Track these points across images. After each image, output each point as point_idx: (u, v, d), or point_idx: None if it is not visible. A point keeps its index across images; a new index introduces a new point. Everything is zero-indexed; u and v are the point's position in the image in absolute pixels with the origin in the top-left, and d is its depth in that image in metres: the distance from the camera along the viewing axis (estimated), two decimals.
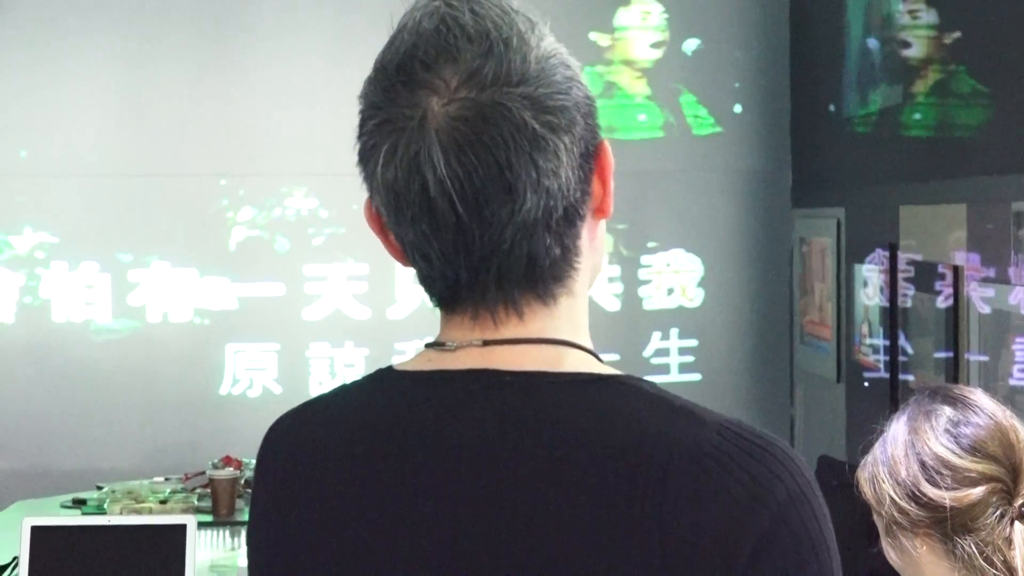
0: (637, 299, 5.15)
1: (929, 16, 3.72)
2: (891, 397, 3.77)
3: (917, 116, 3.81)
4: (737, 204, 5.19)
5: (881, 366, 3.97)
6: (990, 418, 1.59)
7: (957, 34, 3.50)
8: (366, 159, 1.04)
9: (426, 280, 1.06)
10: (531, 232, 1.01)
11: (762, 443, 0.99)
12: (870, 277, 4.10)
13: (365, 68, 1.05)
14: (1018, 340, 2.97)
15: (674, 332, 5.17)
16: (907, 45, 3.89)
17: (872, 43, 4.19)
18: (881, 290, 3.96)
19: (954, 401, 1.62)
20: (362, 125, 1.04)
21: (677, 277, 5.17)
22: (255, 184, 5.03)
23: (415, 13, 1.04)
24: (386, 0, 1.08)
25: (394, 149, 1.01)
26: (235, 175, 5.02)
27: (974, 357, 3.21)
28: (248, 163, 5.01)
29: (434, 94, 1.00)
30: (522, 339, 1.04)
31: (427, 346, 1.07)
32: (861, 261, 4.19)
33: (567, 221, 1.03)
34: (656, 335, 5.16)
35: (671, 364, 5.16)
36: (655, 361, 5.12)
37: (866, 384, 4.17)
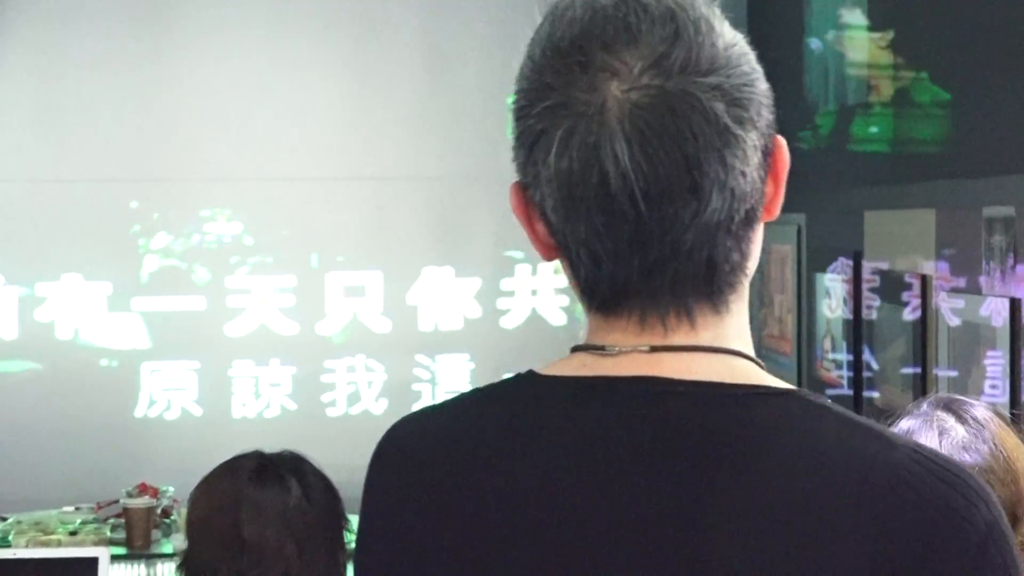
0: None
1: (889, 21, 3.75)
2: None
3: (881, 119, 3.84)
4: None
5: (844, 382, 3.99)
6: (1000, 451, 1.57)
7: (920, 39, 3.53)
8: (531, 144, 1.00)
9: (588, 279, 1.02)
10: (713, 235, 0.99)
11: (955, 470, 0.98)
12: (833, 287, 4.12)
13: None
14: (990, 354, 2.98)
15: None
16: (868, 49, 3.92)
17: (833, 46, 4.22)
18: (845, 301, 3.98)
19: (966, 422, 1.59)
20: (527, 106, 1.01)
21: None
22: (172, 207, 4.96)
23: None
24: None
25: (569, 136, 0.98)
26: (152, 180, 4.94)
27: (943, 372, 3.23)
28: (166, 168, 4.95)
29: (615, 78, 0.97)
30: (693, 347, 1.02)
31: (576, 349, 1.04)
32: (823, 270, 4.21)
33: (747, 224, 1.01)
34: None
35: None
36: None
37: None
